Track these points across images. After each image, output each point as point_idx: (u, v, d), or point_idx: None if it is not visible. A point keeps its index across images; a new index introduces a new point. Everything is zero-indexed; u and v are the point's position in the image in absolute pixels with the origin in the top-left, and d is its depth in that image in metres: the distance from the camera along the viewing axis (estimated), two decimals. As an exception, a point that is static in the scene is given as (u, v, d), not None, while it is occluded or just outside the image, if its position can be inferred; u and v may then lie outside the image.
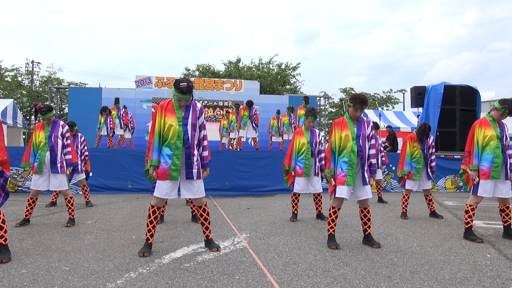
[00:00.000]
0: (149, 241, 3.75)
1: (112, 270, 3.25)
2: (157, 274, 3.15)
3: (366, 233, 4.21)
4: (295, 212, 5.76)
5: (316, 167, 5.60)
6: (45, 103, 5.53)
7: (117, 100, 11.23)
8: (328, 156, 4.14)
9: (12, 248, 3.90)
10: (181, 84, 3.51)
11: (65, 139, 5.27)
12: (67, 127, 5.34)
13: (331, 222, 4.12)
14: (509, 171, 4.35)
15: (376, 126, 8.17)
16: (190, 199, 4.55)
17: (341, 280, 3.07)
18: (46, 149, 5.12)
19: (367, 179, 4.03)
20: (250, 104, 11.00)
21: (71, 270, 3.23)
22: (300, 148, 5.58)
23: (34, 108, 5.50)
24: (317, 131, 5.73)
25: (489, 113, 4.50)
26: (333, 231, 4.12)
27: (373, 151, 4.09)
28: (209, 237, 3.97)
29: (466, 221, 4.52)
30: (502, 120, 4.47)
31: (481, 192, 4.39)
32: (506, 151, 4.38)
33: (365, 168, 4.04)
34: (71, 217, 5.24)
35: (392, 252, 3.90)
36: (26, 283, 2.94)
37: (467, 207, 4.51)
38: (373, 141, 4.11)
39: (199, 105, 3.79)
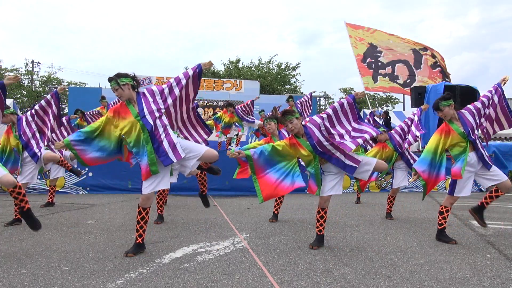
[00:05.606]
0: (137, 241, 3.75)
1: (112, 270, 3.25)
2: (157, 274, 3.15)
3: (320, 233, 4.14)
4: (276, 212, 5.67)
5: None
6: None
7: (103, 97, 10.68)
8: None
9: (12, 248, 3.90)
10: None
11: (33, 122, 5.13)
12: (28, 113, 5.21)
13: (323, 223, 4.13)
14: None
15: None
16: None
17: (341, 280, 3.07)
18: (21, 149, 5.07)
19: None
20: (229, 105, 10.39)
21: (71, 270, 3.23)
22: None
23: None
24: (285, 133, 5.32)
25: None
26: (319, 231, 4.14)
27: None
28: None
29: (439, 222, 4.41)
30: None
31: (457, 192, 4.25)
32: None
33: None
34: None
35: (392, 252, 3.90)
36: (26, 283, 2.94)
37: (442, 208, 4.40)
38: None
39: (145, 90, 3.67)
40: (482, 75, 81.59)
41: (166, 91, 3.68)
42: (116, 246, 4.06)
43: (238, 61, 27.19)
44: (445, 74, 14.78)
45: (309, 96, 10.85)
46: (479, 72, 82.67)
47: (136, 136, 3.55)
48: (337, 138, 3.82)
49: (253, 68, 26.93)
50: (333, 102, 32.78)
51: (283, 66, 27.00)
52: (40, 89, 26.77)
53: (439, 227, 4.41)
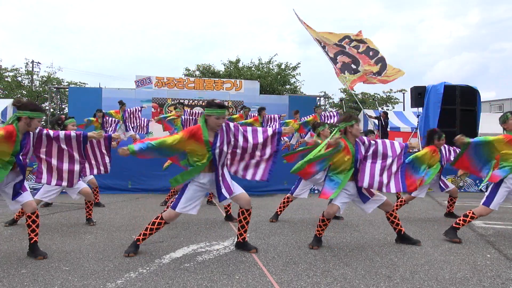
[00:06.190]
0: (138, 243, 3.75)
1: (112, 270, 3.26)
2: (157, 274, 3.15)
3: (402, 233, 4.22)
4: (279, 213, 5.67)
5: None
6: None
7: (122, 102, 10.83)
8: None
9: (12, 248, 3.91)
10: (215, 101, 3.66)
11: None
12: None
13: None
14: None
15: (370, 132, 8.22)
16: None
17: (341, 280, 3.07)
18: None
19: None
20: (261, 110, 10.89)
21: (71, 270, 3.23)
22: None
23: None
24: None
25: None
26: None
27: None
28: (245, 239, 3.94)
29: (458, 221, 4.36)
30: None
31: (493, 205, 4.14)
32: None
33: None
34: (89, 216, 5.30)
35: (392, 252, 3.90)
36: (26, 283, 2.94)
37: (469, 213, 4.28)
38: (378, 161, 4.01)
39: (231, 125, 3.76)
40: (482, 75, 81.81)
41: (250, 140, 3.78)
42: (116, 246, 4.06)
43: (238, 61, 27.14)
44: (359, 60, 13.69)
45: (334, 114, 11.57)
46: (479, 72, 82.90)
47: (201, 161, 3.63)
48: (367, 169, 3.95)
49: (253, 68, 26.89)
50: (333, 102, 32.57)
51: (283, 66, 26.95)
52: (40, 89, 26.75)
53: (454, 225, 4.36)
